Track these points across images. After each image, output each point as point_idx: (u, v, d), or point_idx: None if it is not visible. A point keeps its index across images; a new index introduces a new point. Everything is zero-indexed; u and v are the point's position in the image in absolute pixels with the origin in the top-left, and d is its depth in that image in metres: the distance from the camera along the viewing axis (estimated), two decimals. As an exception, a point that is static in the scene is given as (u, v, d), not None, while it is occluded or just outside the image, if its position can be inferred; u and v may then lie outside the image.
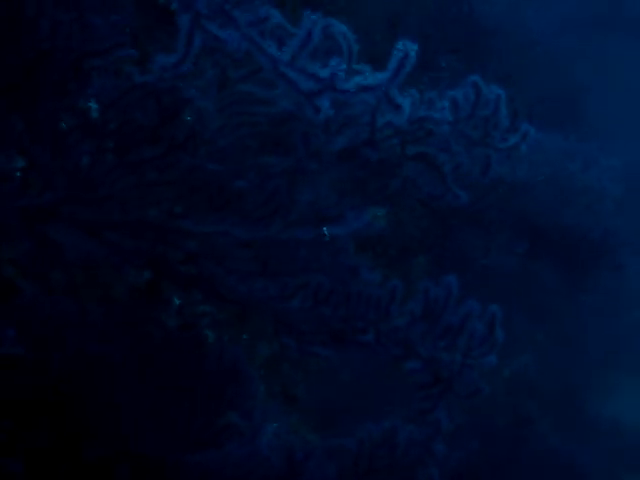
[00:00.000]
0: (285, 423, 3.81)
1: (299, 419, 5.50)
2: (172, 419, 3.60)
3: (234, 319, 4.62)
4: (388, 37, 6.44)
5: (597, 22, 12.54)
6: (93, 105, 3.24)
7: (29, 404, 3.39)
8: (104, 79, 3.13)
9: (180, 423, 3.61)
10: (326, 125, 3.19)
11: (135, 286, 4.17)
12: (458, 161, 3.33)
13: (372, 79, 2.74)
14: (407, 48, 2.71)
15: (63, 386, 3.44)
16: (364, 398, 7.01)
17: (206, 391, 3.48)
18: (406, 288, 3.30)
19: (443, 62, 6.08)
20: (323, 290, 3.26)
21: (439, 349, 3.30)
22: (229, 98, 3.17)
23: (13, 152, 3.27)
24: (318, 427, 5.56)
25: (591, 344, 12.96)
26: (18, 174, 3.29)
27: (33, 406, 3.39)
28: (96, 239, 3.30)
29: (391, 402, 6.05)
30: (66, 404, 3.43)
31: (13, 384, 3.34)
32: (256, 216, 3.27)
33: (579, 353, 12.38)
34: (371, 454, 3.73)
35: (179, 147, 3.28)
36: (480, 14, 8.08)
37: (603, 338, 13.52)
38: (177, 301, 4.29)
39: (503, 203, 7.09)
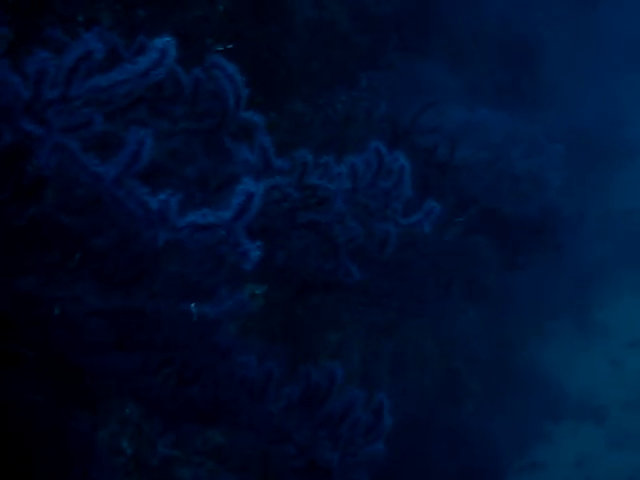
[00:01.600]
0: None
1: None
2: None
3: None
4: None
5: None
6: None
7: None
8: None
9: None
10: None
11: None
12: (353, 234, 2.86)
13: (212, 217, 2.21)
14: (249, 188, 2.18)
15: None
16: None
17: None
18: (289, 372, 2.90)
19: (364, 80, 5.47)
20: (189, 369, 2.83)
21: (319, 438, 2.92)
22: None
23: None
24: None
25: (525, 314, 12.90)
26: None
27: None
28: None
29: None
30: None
31: None
32: (115, 281, 2.78)
33: (512, 320, 12.32)
34: None
35: (25, 193, 2.75)
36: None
37: (537, 306, 13.50)
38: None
39: (444, 182, 6.66)
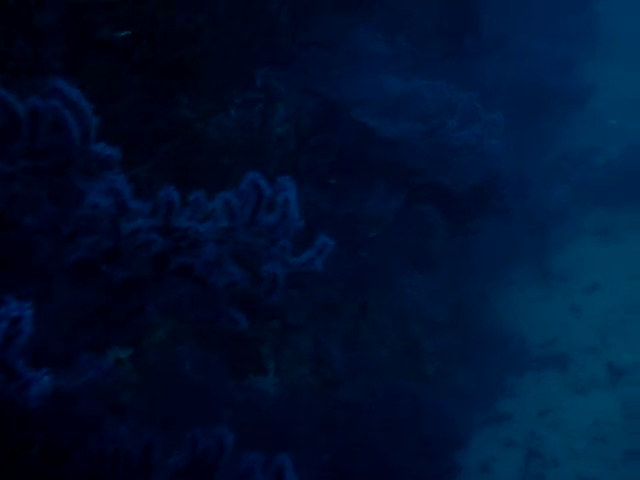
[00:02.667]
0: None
1: None
2: None
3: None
4: None
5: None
6: None
7: None
8: None
9: None
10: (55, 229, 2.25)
11: None
12: (233, 279, 2.43)
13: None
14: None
15: None
16: None
17: None
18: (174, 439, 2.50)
19: (259, 80, 4.93)
20: (52, 449, 2.42)
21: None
22: None
23: None
24: None
25: (483, 269, 12.65)
26: None
27: None
28: None
29: None
30: None
31: None
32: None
33: (469, 279, 12.06)
34: None
35: None
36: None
37: (494, 260, 13.26)
38: None
39: (380, 157, 6.23)
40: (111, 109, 3.74)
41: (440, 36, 8.68)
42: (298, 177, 2.76)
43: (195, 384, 5.37)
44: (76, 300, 2.38)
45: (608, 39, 16.27)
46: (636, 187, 14.96)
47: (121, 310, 2.33)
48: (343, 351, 8.48)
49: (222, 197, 2.31)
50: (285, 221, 2.34)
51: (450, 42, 9.22)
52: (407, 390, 9.98)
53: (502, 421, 12.54)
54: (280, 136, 5.17)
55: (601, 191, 15.23)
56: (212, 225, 2.28)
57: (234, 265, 2.35)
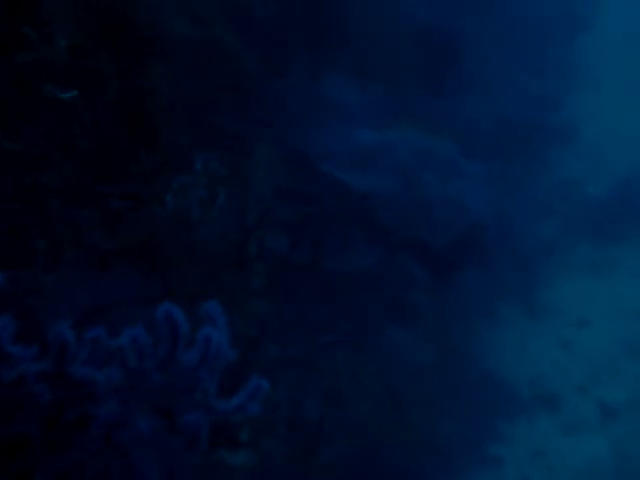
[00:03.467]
0: None
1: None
2: None
3: None
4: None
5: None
6: None
7: None
8: None
9: None
10: None
11: None
12: (141, 433, 2.00)
13: None
14: None
15: None
16: None
17: None
18: None
19: (199, 163, 4.53)
20: None
21: None
22: None
23: None
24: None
25: (469, 307, 12.24)
26: None
27: None
28: None
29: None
30: None
31: None
32: None
33: (454, 320, 11.65)
34: None
35: None
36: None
37: (481, 298, 12.87)
38: None
39: (356, 214, 5.84)
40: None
41: (419, 77, 8.34)
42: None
43: None
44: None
45: (594, 72, 16.03)
46: (624, 221, 14.68)
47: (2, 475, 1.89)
48: (323, 410, 8.03)
49: (129, 334, 1.89)
50: (208, 361, 1.92)
51: (430, 83, 8.88)
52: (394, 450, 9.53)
53: (493, 466, 12.14)
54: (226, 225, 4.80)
55: (589, 225, 14.93)
56: (113, 371, 1.85)
57: (145, 417, 1.91)
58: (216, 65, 5.70)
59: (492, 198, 6.03)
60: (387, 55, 6.90)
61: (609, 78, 16.75)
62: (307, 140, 5.62)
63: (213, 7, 5.48)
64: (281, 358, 6.97)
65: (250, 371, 2.03)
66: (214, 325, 1.96)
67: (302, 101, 5.66)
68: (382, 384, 9.46)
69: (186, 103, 5.36)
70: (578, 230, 15.15)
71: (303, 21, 5.66)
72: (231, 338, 2.05)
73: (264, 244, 6.66)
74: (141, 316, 1.92)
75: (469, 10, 9.20)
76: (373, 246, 6.07)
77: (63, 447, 1.90)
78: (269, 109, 5.73)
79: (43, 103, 4.48)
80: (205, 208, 4.53)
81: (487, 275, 11.82)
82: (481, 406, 12.23)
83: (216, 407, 1.98)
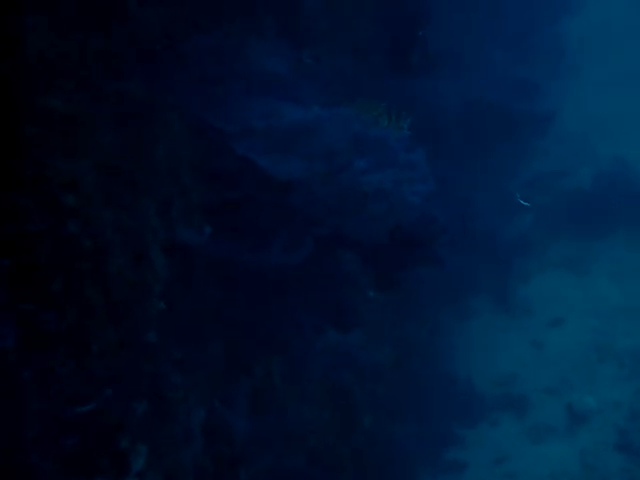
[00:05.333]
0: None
1: None
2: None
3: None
4: None
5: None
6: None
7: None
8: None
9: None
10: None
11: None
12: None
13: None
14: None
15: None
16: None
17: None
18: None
19: None
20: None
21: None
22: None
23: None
24: None
25: (427, 307, 11.37)
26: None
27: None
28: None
29: None
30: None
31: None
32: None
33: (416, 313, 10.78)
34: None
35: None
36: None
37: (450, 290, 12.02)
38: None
39: (274, 200, 4.86)
40: None
41: (373, 49, 7.33)
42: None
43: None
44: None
45: (576, 57, 14.87)
46: (604, 216, 13.77)
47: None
48: (251, 417, 7.08)
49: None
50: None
51: (389, 57, 7.87)
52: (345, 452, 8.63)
53: (452, 472, 11.36)
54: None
55: (567, 220, 14.00)
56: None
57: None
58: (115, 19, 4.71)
59: (439, 191, 5.07)
60: (333, 19, 5.87)
61: (592, 65, 15.63)
62: (219, 112, 4.64)
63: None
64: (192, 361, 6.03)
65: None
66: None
67: (216, 65, 4.68)
68: (326, 386, 8.54)
69: (64, 61, 4.38)
70: (555, 225, 14.27)
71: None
72: None
73: (176, 234, 5.69)
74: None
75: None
76: (298, 240, 5.11)
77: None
78: (173, 71, 4.75)
79: None
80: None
81: (456, 262, 10.93)
82: (441, 408, 11.41)
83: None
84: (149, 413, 5.45)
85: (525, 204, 11.68)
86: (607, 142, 14.15)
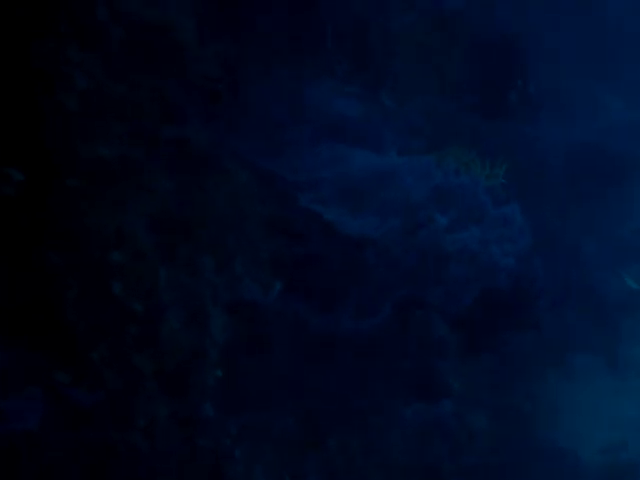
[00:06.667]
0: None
1: None
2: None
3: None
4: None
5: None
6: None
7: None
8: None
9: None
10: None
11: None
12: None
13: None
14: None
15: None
16: None
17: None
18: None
19: None
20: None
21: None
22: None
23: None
24: None
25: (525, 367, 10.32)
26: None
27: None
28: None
29: None
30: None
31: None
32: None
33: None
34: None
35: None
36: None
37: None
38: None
39: (349, 261, 4.17)
40: None
41: (469, 91, 6.61)
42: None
43: None
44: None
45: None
46: None
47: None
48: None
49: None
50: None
51: (483, 98, 7.13)
52: None
53: None
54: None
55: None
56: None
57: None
58: (171, 57, 4.22)
59: (539, 243, 4.27)
60: (419, 55, 5.17)
61: None
62: (284, 160, 4.04)
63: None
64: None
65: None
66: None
67: (281, 108, 4.11)
68: (411, 459, 7.68)
69: (114, 103, 3.90)
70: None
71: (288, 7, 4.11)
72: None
73: (239, 292, 5.10)
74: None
75: (541, 8, 7.35)
76: (374, 304, 4.42)
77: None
78: (235, 115, 4.21)
79: None
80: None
81: (554, 327, 9.90)
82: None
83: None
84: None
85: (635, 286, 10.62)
86: None
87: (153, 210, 4.30)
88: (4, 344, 3.35)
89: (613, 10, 9.38)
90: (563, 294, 8.19)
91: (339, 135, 4.31)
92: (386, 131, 4.41)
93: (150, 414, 4.43)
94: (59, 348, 3.86)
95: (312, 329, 5.03)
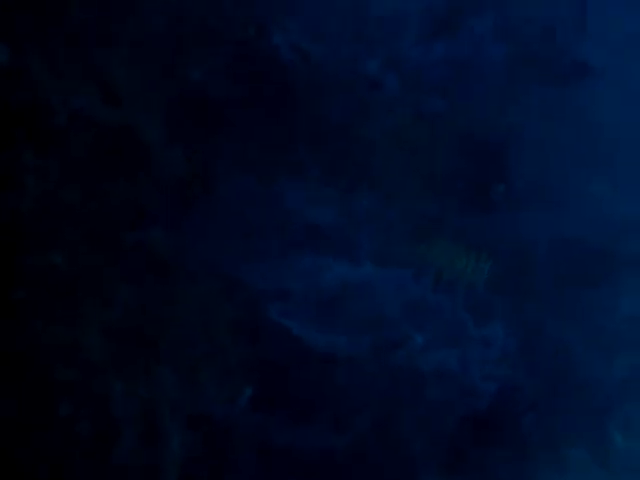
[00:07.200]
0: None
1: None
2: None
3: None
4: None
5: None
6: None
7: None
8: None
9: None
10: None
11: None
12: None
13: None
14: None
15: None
16: None
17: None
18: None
19: None
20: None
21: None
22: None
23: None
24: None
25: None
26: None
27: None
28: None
29: None
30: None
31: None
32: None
33: None
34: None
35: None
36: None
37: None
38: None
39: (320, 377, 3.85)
40: None
41: (452, 185, 6.43)
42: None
43: None
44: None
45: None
46: None
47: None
48: None
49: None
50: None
51: (467, 191, 6.95)
52: None
53: None
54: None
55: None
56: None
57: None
58: (135, 160, 3.98)
59: (526, 347, 3.95)
60: (396, 153, 4.95)
61: None
62: (253, 267, 3.76)
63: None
64: None
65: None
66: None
67: (250, 213, 3.85)
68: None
69: (70, 208, 3.63)
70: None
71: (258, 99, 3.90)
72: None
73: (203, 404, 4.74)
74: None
75: (527, 104, 7.22)
76: (347, 421, 4.07)
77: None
78: (202, 220, 3.96)
79: None
80: None
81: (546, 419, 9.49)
82: None
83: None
84: None
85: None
86: None
87: (112, 321, 4.00)
88: None
89: (603, 102, 9.33)
90: (550, 394, 7.83)
91: (312, 243, 4.06)
92: (362, 238, 4.16)
93: None
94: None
95: (279, 444, 4.66)
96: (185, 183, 4.22)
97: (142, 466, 4.27)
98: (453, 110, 5.09)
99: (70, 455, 3.80)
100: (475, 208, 7.31)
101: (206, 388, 4.80)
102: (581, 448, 12.54)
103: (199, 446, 4.60)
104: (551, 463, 11.86)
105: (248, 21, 4.53)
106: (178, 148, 4.20)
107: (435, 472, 5.37)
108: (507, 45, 5.20)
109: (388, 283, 3.90)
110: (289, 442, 4.51)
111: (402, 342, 3.73)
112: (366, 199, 4.50)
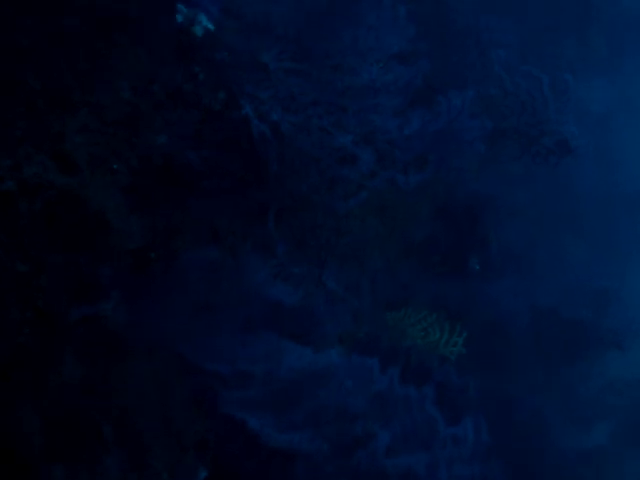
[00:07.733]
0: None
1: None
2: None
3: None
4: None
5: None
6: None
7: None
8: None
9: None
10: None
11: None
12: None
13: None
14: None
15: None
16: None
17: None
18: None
19: None
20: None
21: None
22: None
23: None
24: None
25: None
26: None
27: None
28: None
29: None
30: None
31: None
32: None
33: None
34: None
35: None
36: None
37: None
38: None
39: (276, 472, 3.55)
40: None
41: (427, 253, 6.24)
42: None
43: None
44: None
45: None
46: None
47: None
48: None
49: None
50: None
51: (442, 260, 6.76)
52: None
53: None
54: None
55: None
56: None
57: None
58: (88, 231, 3.71)
59: (492, 464, 3.67)
60: (369, 225, 4.73)
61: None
62: (208, 348, 3.48)
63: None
64: None
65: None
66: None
67: (208, 290, 3.58)
68: None
69: (14, 283, 3.32)
70: (631, 437, 12.37)
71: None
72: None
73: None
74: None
75: (502, 177, 7.10)
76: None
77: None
78: (157, 294, 3.68)
79: None
80: None
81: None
82: None
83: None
84: None
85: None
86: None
87: (52, 405, 3.67)
88: None
89: (580, 171, 9.24)
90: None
91: (274, 323, 3.79)
92: (327, 321, 3.89)
93: None
94: None
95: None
96: (143, 254, 3.95)
97: None
98: (430, 180, 4.91)
99: None
100: (452, 276, 7.13)
101: (157, 470, 4.46)
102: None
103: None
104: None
105: (218, 86, 4.32)
106: (137, 217, 3.94)
107: None
108: (485, 119, 5.04)
109: (352, 373, 3.62)
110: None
111: (365, 440, 3.43)
112: (334, 278, 4.25)
